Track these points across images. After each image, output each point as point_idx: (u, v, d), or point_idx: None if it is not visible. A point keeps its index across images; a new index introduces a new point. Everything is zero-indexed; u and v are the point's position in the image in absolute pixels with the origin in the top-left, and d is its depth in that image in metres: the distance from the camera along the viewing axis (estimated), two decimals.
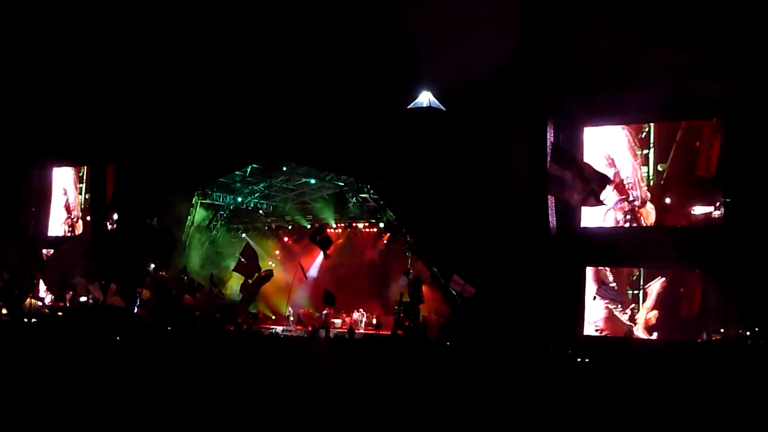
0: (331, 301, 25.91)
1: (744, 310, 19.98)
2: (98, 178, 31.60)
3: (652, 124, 22.68)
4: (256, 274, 26.73)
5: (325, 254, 26.04)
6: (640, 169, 22.73)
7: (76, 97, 30.04)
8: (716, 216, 21.35)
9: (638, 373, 15.45)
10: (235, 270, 27.42)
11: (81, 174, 34.15)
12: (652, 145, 22.60)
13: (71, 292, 26.86)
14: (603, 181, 20.27)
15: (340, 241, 29.42)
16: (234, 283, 28.45)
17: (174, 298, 26.20)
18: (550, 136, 22.95)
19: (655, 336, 21.79)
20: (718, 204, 21.28)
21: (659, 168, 22.41)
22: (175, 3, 26.14)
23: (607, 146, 23.28)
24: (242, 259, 26.77)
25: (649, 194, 22.60)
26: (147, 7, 26.30)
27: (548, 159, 21.27)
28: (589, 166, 20.81)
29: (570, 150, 22.30)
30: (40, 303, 28.65)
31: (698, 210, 21.70)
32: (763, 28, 19.76)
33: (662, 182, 22.44)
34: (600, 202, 20.38)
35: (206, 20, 25.65)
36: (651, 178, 22.60)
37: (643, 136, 22.78)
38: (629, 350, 20.04)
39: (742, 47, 20.33)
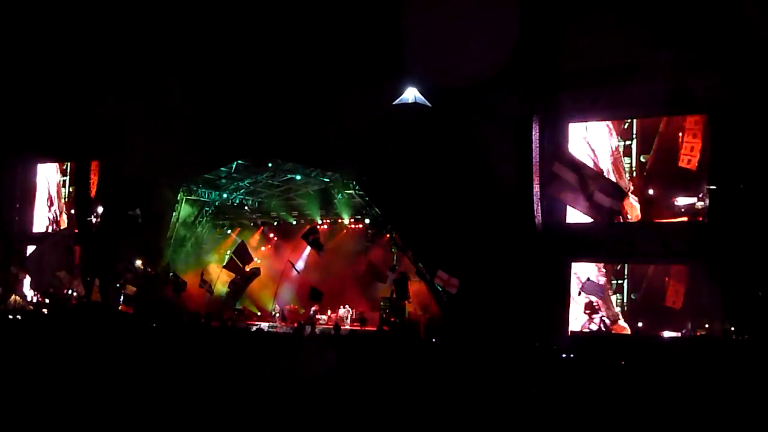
0: (318, 297, 25.94)
1: (729, 305, 20.07)
2: (83, 173, 31.42)
3: None
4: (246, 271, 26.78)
5: (319, 250, 26.14)
6: (623, 160, 22.79)
7: (60, 92, 29.83)
8: (699, 207, 21.44)
9: (623, 369, 15.50)
10: (225, 267, 27.41)
11: (65, 169, 33.88)
12: (634, 136, 22.68)
13: (57, 288, 26.64)
14: (620, 194, 19.10)
15: (326, 237, 29.30)
16: (220, 280, 28.36)
17: (158, 294, 26.09)
18: (535, 132, 22.99)
19: (640, 327, 21.90)
20: (701, 195, 21.39)
21: (642, 159, 22.48)
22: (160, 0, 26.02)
23: (589, 139, 23.35)
24: (234, 258, 26.74)
25: (632, 186, 22.58)
26: (132, 3, 26.13)
27: (536, 157, 21.32)
28: (604, 177, 20.53)
29: (559, 147, 22.38)
30: (24, 299, 28.41)
31: (682, 201, 21.77)
32: (750, 24, 19.84)
33: (645, 174, 22.51)
34: (613, 216, 19.97)
35: (192, 16, 25.51)
36: (633, 169, 22.65)
37: (626, 127, 22.86)
38: (614, 346, 20.07)
39: (730, 43, 20.39)
